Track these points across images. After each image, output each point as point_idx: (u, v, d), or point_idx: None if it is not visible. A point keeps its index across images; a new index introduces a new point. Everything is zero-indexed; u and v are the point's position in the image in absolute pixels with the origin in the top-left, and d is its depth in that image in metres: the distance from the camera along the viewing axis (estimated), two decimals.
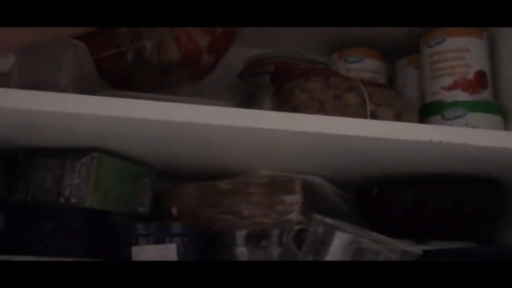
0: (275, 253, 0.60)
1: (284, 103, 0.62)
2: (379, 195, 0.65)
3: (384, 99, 0.60)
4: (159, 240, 0.58)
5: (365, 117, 0.57)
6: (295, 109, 0.58)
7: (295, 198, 0.62)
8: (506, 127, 0.66)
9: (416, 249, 0.49)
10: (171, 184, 0.69)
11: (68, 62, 0.57)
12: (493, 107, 0.65)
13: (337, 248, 0.49)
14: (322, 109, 0.57)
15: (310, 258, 0.50)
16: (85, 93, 0.53)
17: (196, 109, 0.50)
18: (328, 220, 0.50)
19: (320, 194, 0.68)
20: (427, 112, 0.67)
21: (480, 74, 0.65)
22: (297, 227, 0.56)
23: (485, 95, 0.65)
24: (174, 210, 0.67)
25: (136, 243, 0.58)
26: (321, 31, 0.78)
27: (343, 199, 0.70)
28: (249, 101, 0.74)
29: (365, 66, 0.75)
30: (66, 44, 0.57)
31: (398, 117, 0.59)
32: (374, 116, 0.58)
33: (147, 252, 0.58)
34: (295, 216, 0.62)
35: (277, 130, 0.50)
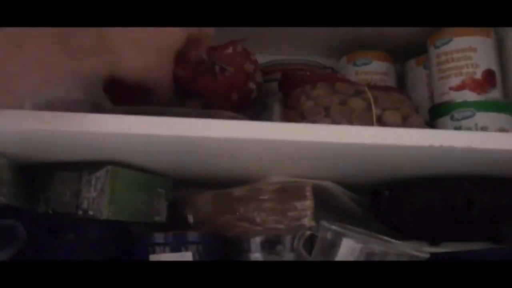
0: (288, 259, 0.62)
1: (292, 110, 0.63)
2: (390, 197, 0.65)
3: (391, 103, 0.60)
4: (176, 249, 0.60)
5: (371, 121, 0.58)
6: (302, 115, 0.59)
7: (307, 204, 0.63)
8: None
9: (423, 252, 0.50)
10: (187, 192, 0.71)
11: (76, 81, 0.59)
12: (503, 106, 0.64)
13: (345, 253, 0.50)
14: (327, 115, 0.58)
15: None
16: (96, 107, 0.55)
17: (206, 124, 0.52)
18: (335, 226, 0.51)
19: (332, 198, 0.69)
20: (436, 113, 0.67)
21: (488, 73, 0.65)
22: (308, 232, 0.57)
23: (494, 94, 0.65)
24: (190, 218, 0.69)
25: (153, 252, 0.60)
26: (330, 34, 0.79)
27: (355, 202, 0.70)
28: (261, 106, 0.75)
29: (373, 69, 0.76)
30: None
31: (404, 120, 0.59)
32: (380, 120, 0.58)
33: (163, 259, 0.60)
34: (307, 221, 0.63)
35: (285, 140, 0.52)
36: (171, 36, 0.56)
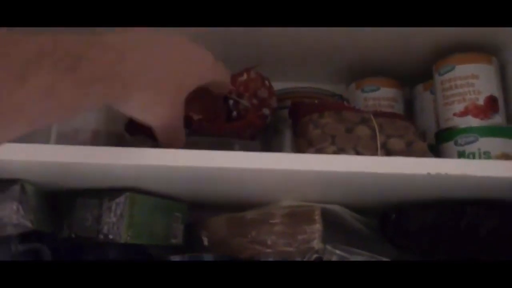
0: None
1: (300, 137, 0.66)
2: (397, 220, 0.67)
3: (395, 130, 0.63)
4: None
5: (376, 148, 0.60)
6: (310, 143, 0.62)
7: (315, 227, 0.66)
8: None
9: None
10: (202, 215, 0.74)
11: (101, 114, 0.64)
12: (505, 131, 0.66)
13: None
14: (334, 142, 0.61)
15: None
16: (114, 137, 0.59)
17: (219, 155, 0.55)
18: (339, 250, 0.53)
19: (341, 221, 0.71)
20: (441, 138, 0.69)
21: (491, 99, 0.67)
22: (315, 256, 0.59)
23: (497, 119, 0.67)
24: (205, 241, 0.72)
25: None
26: (339, 61, 0.82)
27: (364, 224, 0.73)
28: (273, 131, 0.78)
29: (381, 95, 0.78)
30: None
31: (408, 147, 0.61)
32: (385, 147, 0.61)
33: None
34: (315, 244, 0.65)
35: (295, 170, 0.55)
36: (188, 79, 0.54)
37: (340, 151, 0.60)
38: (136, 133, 0.71)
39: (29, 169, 0.58)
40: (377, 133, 0.61)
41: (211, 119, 0.68)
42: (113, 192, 0.65)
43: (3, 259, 0.59)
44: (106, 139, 0.67)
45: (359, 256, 0.60)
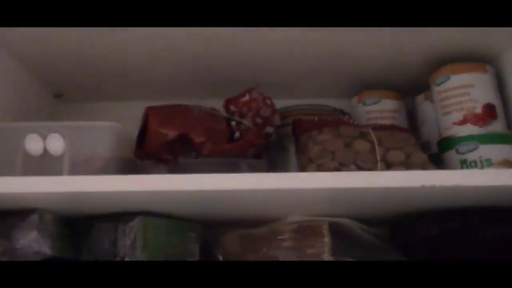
0: None
1: (302, 154, 0.68)
2: (404, 230, 0.69)
3: (394, 142, 0.65)
4: None
5: (375, 161, 0.62)
6: (311, 160, 0.64)
7: (325, 241, 0.67)
8: None
9: None
10: (216, 232, 0.76)
11: (111, 142, 0.67)
12: (505, 138, 0.67)
13: None
14: (333, 158, 0.63)
15: None
16: (125, 163, 0.62)
17: (225, 178, 0.57)
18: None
19: (350, 234, 0.73)
20: (442, 147, 0.71)
21: (488, 107, 0.68)
22: None
23: (496, 126, 0.68)
24: (220, 257, 0.74)
25: None
26: (341, 77, 0.84)
27: (374, 235, 0.74)
28: (279, 148, 0.81)
29: (383, 107, 0.80)
30: (107, 127, 0.67)
31: (408, 158, 0.63)
32: (384, 160, 0.63)
33: None
34: (325, 257, 0.67)
35: (296, 189, 0.57)
36: None
37: (340, 166, 0.62)
38: (145, 158, 0.74)
39: (45, 199, 0.61)
40: (376, 147, 0.63)
41: (214, 141, 0.70)
42: (126, 216, 0.68)
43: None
44: (117, 165, 0.70)
45: None
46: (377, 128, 0.67)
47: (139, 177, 0.58)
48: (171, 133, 0.70)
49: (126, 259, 0.66)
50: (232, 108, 0.74)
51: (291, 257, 0.68)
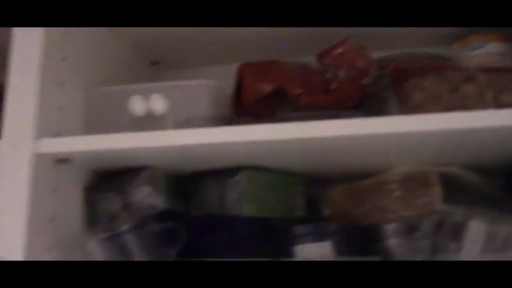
0: (423, 243, 0.64)
1: (403, 103, 0.65)
2: None
3: (506, 84, 0.61)
4: (317, 239, 0.66)
5: (485, 105, 0.59)
6: (414, 108, 0.62)
7: (435, 189, 0.65)
8: None
9: None
10: (322, 187, 0.75)
11: (210, 100, 0.68)
12: None
13: (473, 234, 0.52)
14: (439, 104, 0.60)
15: (450, 244, 0.54)
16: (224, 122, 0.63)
17: (327, 124, 0.57)
18: (462, 209, 0.53)
19: (462, 183, 0.70)
20: None
21: None
22: (437, 217, 0.59)
23: None
24: (326, 211, 0.74)
25: (297, 243, 0.67)
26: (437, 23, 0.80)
27: (485, 184, 0.71)
28: (377, 99, 0.78)
29: (489, 51, 0.75)
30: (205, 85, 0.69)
31: None
32: (496, 102, 0.59)
33: (307, 250, 0.66)
34: (436, 206, 0.65)
35: (404, 132, 0.55)
36: None
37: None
38: (242, 115, 0.74)
39: (154, 155, 0.63)
40: (486, 90, 0.60)
41: (310, 93, 0.69)
42: (232, 171, 0.69)
43: (144, 240, 0.65)
44: (215, 124, 0.71)
45: (482, 215, 0.59)
46: (485, 70, 0.64)
47: (242, 128, 0.59)
48: (267, 87, 0.70)
49: (234, 212, 0.68)
50: (326, 61, 0.73)
51: (400, 207, 0.67)
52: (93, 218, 0.67)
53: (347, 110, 0.71)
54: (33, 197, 0.59)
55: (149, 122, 0.67)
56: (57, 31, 0.66)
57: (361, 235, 0.67)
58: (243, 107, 0.72)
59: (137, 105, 0.68)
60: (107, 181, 0.69)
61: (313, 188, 0.76)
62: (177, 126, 0.68)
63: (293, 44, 0.87)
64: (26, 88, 0.61)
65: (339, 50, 0.72)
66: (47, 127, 0.62)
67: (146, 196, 0.66)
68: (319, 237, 0.66)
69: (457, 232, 0.57)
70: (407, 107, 0.65)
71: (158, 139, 0.60)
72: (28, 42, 0.63)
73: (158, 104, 0.68)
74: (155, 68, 0.95)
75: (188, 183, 0.72)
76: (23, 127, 0.60)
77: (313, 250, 0.66)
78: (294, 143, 0.59)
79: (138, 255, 0.64)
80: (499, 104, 0.59)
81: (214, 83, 0.70)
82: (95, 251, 0.64)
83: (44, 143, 0.60)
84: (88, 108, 0.71)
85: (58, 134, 0.63)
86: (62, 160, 0.63)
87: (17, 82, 0.62)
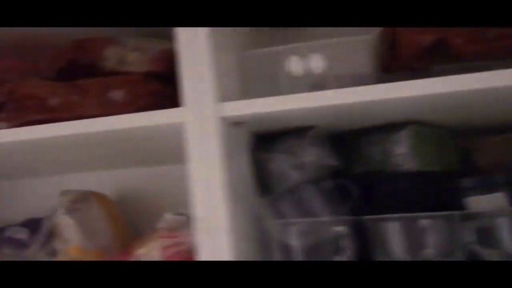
0: None
1: None
2: None
3: None
4: (486, 191, 0.66)
5: None
6: None
7: None
8: None
9: None
10: (476, 139, 0.75)
11: (366, 56, 0.68)
12: None
13: None
14: None
15: None
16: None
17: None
18: None
19: None
20: None
21: None
22: None
23: None
24: (481, 162, 0.73)
25: (466, 196, 0.66)
26: None
27: None
28: None
29: None
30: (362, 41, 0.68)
31: None
32: None
33: (479, 202, 0.66)
34: None
35: None
36: None
37: None
38: (398, 69, 0.73)
39: (317, 114, 0.64)
40: None
41: (476, 41, 0.67)
42: (396, 126, 0.69)
43: (319, 197, 0.65)
44: (371, 80, 0.70)
45: None
46: None
47: (405, 83, 0.58)
48: (427, 38, 0.68)
49: (401, 167, 0.68)
50: None
51: None
52: (262, 179, 0.68)
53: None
54: (224, 160, 0.60)
55: (308, 81, 0.67)
56: None
57: None
58: (399, 61, 0.71)
59: (295, 64, 0.67)
60: (269, 142, 0.70)
61: (466, 141, 0.75)
62: (336, 83, 0.68)
63: None
64: (199, 53, 0.61)
65: None
66: (220, 92, 0.62)
67: (317, 156, 0.66)
68: (489, 188, 0.66)
69: None
70: None
71: (320, 99, 0.60)
72: None
73: (317, 62, 0.67)
74: None
75: (348, 140, 0.72)
76: (204, 92, 0.61)
77: (486, 202, 0.65)
78: (460, 96, 0.58)
79: (314, 212, 0.65)
80: None
81: (370, 38, 0.68)
82: (270, 212, 0.65)
83: (227, 106, 0.61)
84: (243, 70, 0.71)
85: (226, 98, 0.64)
86: (239, 123, 0.64)
87: (189, 48, 0.62)
